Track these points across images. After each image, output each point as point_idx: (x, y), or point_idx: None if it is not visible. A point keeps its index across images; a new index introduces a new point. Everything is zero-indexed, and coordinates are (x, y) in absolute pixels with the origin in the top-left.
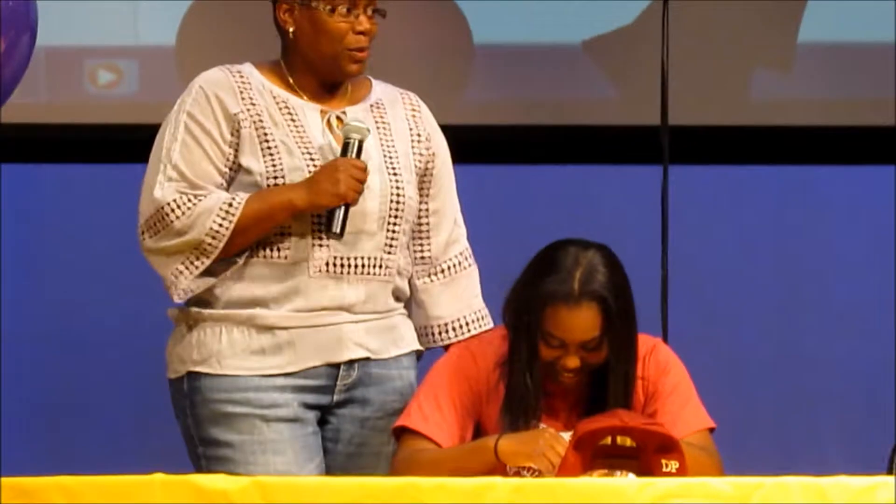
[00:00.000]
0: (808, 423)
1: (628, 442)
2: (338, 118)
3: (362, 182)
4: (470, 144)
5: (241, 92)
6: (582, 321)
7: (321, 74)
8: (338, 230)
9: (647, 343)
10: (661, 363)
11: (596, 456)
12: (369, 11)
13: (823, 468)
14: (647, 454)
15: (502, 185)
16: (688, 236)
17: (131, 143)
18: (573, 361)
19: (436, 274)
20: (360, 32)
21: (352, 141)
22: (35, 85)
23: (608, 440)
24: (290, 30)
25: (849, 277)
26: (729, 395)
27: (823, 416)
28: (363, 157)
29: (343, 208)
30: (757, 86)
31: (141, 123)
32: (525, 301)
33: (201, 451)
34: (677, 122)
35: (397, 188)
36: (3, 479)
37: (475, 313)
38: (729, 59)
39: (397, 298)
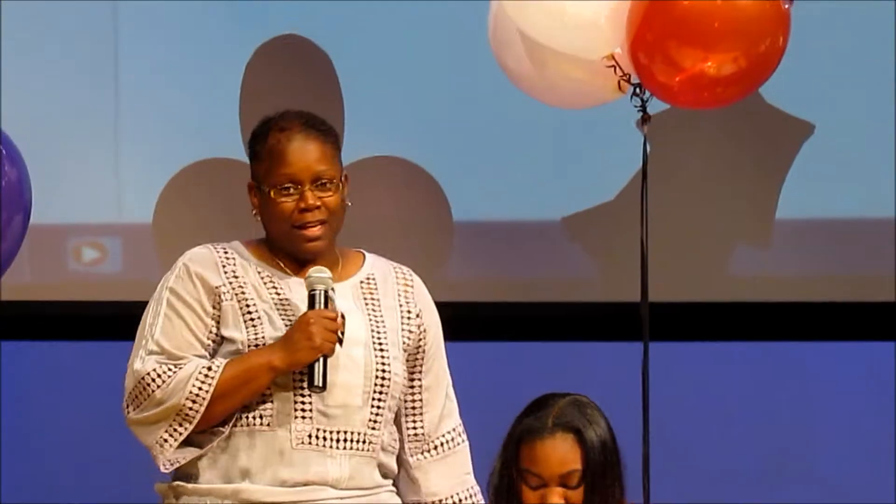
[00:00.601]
0: None
1: None
2: (325, 293)
3: (335, 331)
4: (449, 322)
5: (224, 266)
6: (557, 452)
7: (287, 251)
8: (320, 383)
9: None
10: None
11: None
12: (322, 183)
13: None
14: None
15: (481, 362)
16: (669, 413)
17: (116, 321)
18: (555, 497)
19: (429, 451)
20: (305, 209)
21: (317, 292)
22: (19, 263)
23: None
24: (254, 212)
25: (833, 454)
26: None
27: None
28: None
29: (322, 361)
30: (736, 262)
31: (125, 301)
32: (504, 448)
33: None
34: (657, 299)
35: (383, 364)
36: None
37: (468, 490)
38: (708, 236)
39: (384, 475)
